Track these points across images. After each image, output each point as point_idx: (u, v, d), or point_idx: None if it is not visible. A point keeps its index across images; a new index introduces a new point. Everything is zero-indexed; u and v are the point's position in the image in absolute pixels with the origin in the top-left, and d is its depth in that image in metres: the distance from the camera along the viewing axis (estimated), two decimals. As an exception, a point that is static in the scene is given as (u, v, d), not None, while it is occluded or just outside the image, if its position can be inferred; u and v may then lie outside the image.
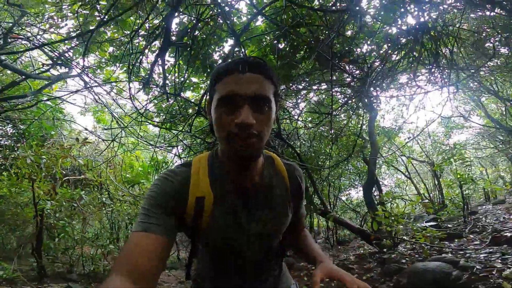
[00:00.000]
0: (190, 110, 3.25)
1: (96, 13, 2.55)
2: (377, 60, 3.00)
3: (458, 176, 3.92)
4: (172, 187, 0.66)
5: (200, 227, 0.67)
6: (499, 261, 2.20)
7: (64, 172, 4.71)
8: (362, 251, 3.98)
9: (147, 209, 0.62)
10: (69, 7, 2.83)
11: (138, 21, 2.46)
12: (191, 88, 3.21)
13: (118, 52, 2.84)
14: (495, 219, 3.54)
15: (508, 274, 1.81)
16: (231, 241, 0.70)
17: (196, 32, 2.58)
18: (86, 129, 4.08)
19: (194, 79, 3.24)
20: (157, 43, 2.55)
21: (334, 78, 3.48)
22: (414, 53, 2.67)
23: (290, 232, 0.82)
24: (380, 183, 6.08)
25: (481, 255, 2.42)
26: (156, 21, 2.70)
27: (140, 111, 2.37)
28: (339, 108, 3.49)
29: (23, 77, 2.55)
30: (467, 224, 3.78)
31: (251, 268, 0.74)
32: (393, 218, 2.92)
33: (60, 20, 2.97)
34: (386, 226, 2.97)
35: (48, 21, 2.76)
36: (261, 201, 0.72)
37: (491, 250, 2.56)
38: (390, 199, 3.52)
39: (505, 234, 2.77)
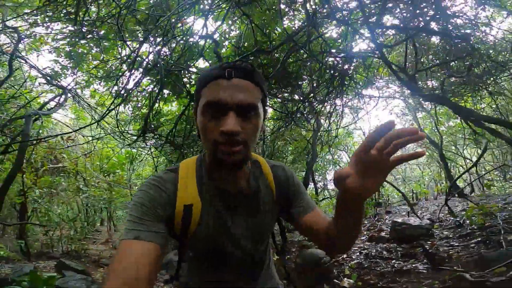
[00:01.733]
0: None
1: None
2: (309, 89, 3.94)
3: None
4: (162, 196, 0.66)
5: (188, 233, 0.69)
6: (358, 253, 3.33)
7: (42, 161, 5.37)
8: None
9: (136, 216, 0.62)
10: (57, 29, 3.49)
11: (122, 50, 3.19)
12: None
13: (102, 72, 3.56)
14: (392, 219, 4.67)
15: (352, 264, 2.93)
16: (218, 246, 0.72)
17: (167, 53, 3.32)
18: (67, 126, 4.74)
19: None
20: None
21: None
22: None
23: (316, 230, 0.74)
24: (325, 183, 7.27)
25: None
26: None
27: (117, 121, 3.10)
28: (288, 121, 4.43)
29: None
30: (367, 223, 4.86)
31: (238, 272, 0.76)
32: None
33: (49, 39, 3.62)
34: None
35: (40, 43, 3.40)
36: (247, 206, 0.74)
37: (361, 245, 3.67)
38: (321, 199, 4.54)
39: (380, 234, 3.87)
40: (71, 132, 3.70)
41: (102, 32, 3.35)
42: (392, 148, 0.47)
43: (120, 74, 3.11)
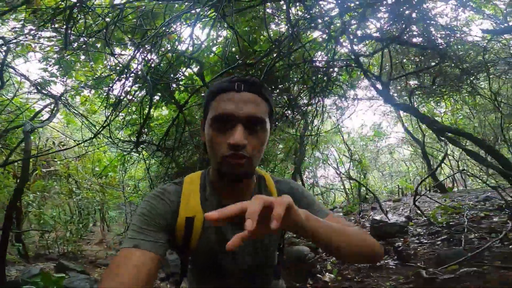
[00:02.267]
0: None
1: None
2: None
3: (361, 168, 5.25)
4: (164, 206, 0.68)
5: (189, 247, 0.70)
6: None
7: (35, 166, 5.48)
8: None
9: (137, 226, 0.64)
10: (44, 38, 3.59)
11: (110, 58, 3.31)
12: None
13: (91, 81, 3.68)
14: (371, 214, 4.95)
15: (334, 260, 3.16)
16: (218, 261, 0.72)
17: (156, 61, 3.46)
18: (62, 133, 4.86)
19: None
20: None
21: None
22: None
23: None
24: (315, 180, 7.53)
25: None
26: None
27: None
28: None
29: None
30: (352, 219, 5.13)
31: (237, 286, 0.76)
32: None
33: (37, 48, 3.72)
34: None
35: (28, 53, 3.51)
36: None
37: None
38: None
39: None
40: (73, 147, 3.85)
41: (90, 41, 3.46)
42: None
43: (110, 85, 3.25)
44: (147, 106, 3.16)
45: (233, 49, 3.95)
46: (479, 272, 1.70)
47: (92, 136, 2.73)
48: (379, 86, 3.20)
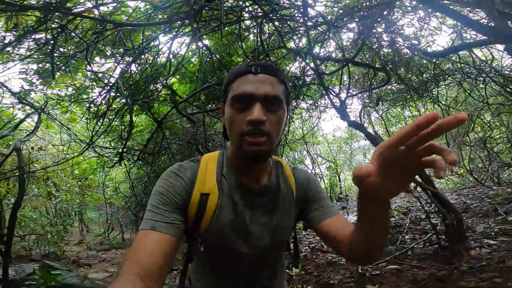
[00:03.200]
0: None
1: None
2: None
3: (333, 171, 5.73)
4: (180, 183, 0.69)
5: (200, 226, 0.70)
6: (306, 247, 4.06)
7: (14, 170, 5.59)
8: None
9: (154, 206, 0.65)
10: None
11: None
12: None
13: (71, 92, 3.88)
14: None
15: (300, 256, 3.62)
16: (232, 243, 0.71)
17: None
18: (41, 138, 5.00)
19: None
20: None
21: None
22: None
23: (336, 237, 0.72)
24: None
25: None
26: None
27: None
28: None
29: None
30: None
31: (249, 273, 0.76)
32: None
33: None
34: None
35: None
36: (267, 204, 0.75)
37: (311, 239, 4.42)
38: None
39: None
40: (66, 161, 4.05)
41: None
42: (426, 148, 0.40)
43: (92, 99, 3.48)
44: (127, 114, 3.42)
45: (210, 59, 4.24)
46: (397, 270, 2.15)
47: (81, 152, 2.97)
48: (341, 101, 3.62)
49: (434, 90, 5.49)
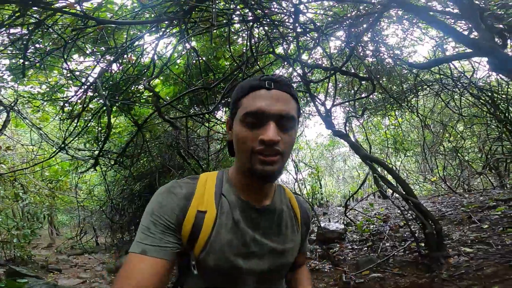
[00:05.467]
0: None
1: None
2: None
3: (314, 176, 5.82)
4: (174, 200, 0.66)
5: (194, 247, 0.66)
6: None
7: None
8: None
9: (145, 227, 0.63)
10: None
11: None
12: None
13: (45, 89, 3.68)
14: (321, 220, 5.57)
15: None
16: (231, 263, 0.67)
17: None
18: (9, 137, 4.69)
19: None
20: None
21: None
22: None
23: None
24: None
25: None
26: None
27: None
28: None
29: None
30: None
31: None
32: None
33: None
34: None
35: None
36: (269, 225, 0.72)
37: None
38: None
39: (311, 236, 4.71)
40: (37, 163, 3.83)
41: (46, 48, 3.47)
42: None
43: (67, 98, 3.32)
44: (105, 116, 3.29)
45: (196, 62, 4.18)
46: (380, 278, 2.21)
47: (53, 154, 2.82)
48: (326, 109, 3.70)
49: (413, 100, 5.77)
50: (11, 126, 5.22)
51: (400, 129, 6.55)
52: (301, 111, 5.42)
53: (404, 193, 2.35)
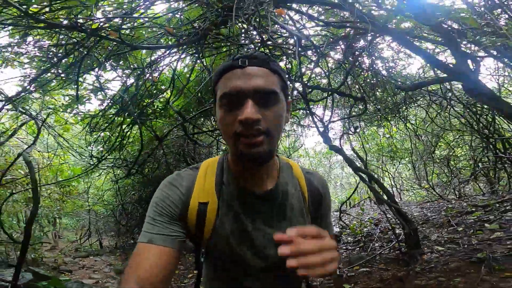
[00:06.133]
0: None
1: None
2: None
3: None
4: (176, 193, 0.68)
5: (203, 235, 0.69)
6: None
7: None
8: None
9: (151, 217, 0.66)
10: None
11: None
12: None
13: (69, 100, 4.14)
14: None
15: None
16: (237, 253, 0.69)
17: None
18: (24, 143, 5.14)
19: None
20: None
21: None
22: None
23: None
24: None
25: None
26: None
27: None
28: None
29: None
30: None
31: (263, 284, 0.72)
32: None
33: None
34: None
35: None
36: (272, 211, 0.72)
37: None
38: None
39: None
40: (76, 177, 4.23)
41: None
42: None
43: (95, 113, 3.78)
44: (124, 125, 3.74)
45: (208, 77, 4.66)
46: (368, 272, 2.70)
47: (95, 165, 3.27)
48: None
49: (405, 111, 6.31)
50: (23, 130, 5.66)
51: (394, 138, 7.08)
52: (289, 86, 5.97)
53: (387, 199, 2.85)
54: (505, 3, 2.89)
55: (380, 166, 7.62)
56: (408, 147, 7.75)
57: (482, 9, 2.94)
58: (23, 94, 3.26)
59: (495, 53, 2.98)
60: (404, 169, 8.15)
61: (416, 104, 6.36)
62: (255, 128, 0.59)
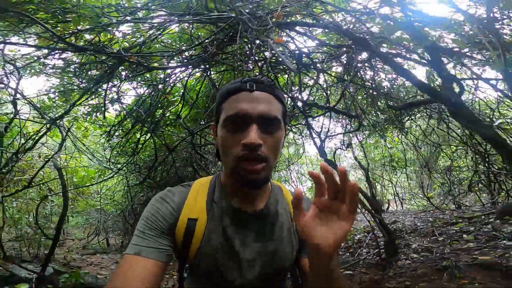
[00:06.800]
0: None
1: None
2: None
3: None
4: (167, 207, 0.71)
5: (188, 252, 0.71)
6: None
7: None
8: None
9: (140, 231, 0.68)
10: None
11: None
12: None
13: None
14: None
15: None
16: (222, 271, 0.72)
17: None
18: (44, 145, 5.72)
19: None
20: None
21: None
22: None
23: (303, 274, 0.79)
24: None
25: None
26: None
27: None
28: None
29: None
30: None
31: None
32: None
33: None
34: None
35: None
36: (262, 229, 0.75)
37: None
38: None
39: None
40: (100, 182, 4.75)
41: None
42: (344, 194, 0.51)
43: (113, 124, 4.30)
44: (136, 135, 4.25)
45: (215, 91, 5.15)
46: (350, 274, 3.13)
47: (117, 170, 3.79)
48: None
49: (406, 121, 6.68)
50: (46, 138, 6.26)
51: (396, 148, 7.46)
52: (288, 113, 6.37)
53: (372, 210, 3.28)
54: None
55: (383, 176, 7.99)
56: (409, 158, 8.11)
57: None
58: (66, 115, 3.69)
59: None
60: (408, 179, 8.48)
61: (415, 117, 6.74)
62: (257, 154, 0.64)
